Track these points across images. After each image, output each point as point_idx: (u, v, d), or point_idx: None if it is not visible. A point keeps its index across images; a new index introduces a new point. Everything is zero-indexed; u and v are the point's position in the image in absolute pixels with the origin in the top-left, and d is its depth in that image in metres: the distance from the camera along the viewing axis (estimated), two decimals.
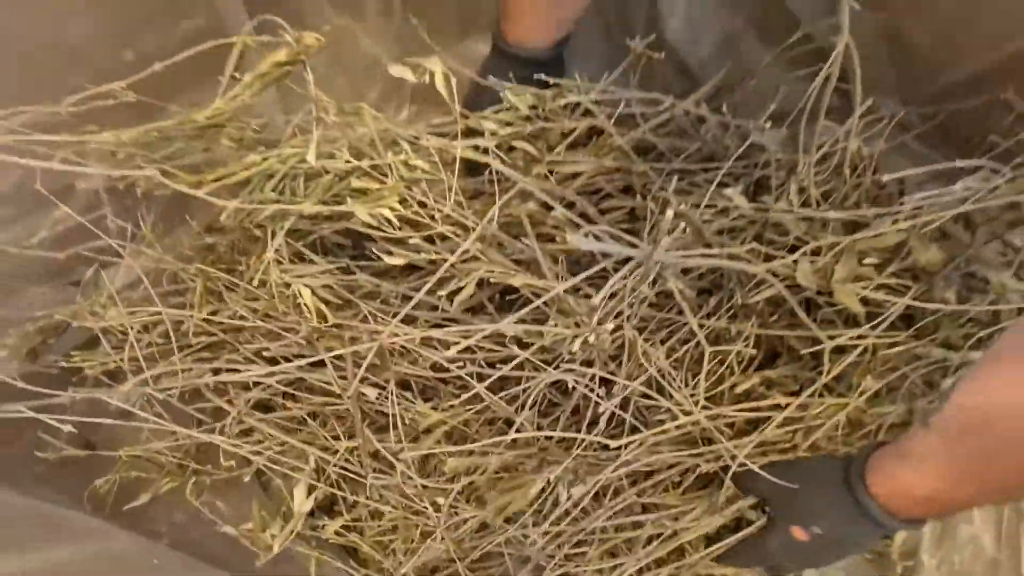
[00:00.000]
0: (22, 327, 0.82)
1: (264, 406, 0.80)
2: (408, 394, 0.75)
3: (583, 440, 0.70)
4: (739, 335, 0.73)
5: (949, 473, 0.61)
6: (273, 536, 0.74)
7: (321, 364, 0.71)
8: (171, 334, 0.74)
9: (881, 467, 0.65)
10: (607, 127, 0.73)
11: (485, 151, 0.67)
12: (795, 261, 0.68)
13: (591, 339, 0.63)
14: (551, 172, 0.73)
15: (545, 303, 0.68)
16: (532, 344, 0.69)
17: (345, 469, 0.75)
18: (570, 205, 0.73)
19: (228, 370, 0.75)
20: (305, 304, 0.65)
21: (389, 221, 0.62)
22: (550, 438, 0.74)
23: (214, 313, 0.76)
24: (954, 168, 0.74)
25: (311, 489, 0.76)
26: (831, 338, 0.71)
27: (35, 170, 0.60)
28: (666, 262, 0.64)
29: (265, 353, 0.75)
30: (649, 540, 0.77)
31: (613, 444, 0.70)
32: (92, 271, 0.80)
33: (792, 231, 0.70)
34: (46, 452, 0.79)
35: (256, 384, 0.77)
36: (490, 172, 0.67)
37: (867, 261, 0.71)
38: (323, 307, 0.65)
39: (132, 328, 0.74)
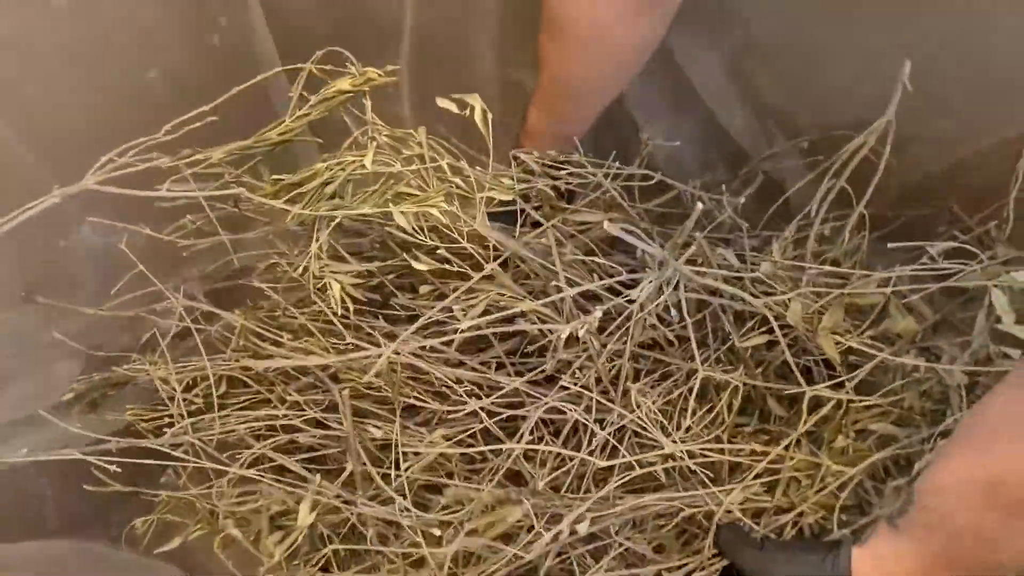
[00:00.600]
0: (89, 376, 0.90)
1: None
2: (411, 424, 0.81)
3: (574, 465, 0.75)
4: (726, 384, 0.79)
5: (925, 569, 0.66)
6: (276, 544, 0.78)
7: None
8: (212, 387, 0.81)
9: (863, 570, 0.69)
10: (612, 190, 0.83)
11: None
12: (788, 300, 0.75)
13: (580, 331, 0.70)
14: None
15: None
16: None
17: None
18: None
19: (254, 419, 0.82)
20: (333, 297, 0.73)
21: (422, 229, 0.72)
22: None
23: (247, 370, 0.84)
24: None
25: (314, 506, 0.78)
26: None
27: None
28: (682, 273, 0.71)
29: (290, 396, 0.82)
30: None
31: (601, 463, 0.74)
32: (148, 335, 0.89)
33: (778, 287, 0.78)
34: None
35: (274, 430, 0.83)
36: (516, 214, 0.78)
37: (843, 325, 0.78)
38: (349, 301, 0.73)
39: (178, 386, 0.82)
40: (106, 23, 0.80)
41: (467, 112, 0.71)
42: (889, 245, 0.77)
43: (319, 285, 0.74)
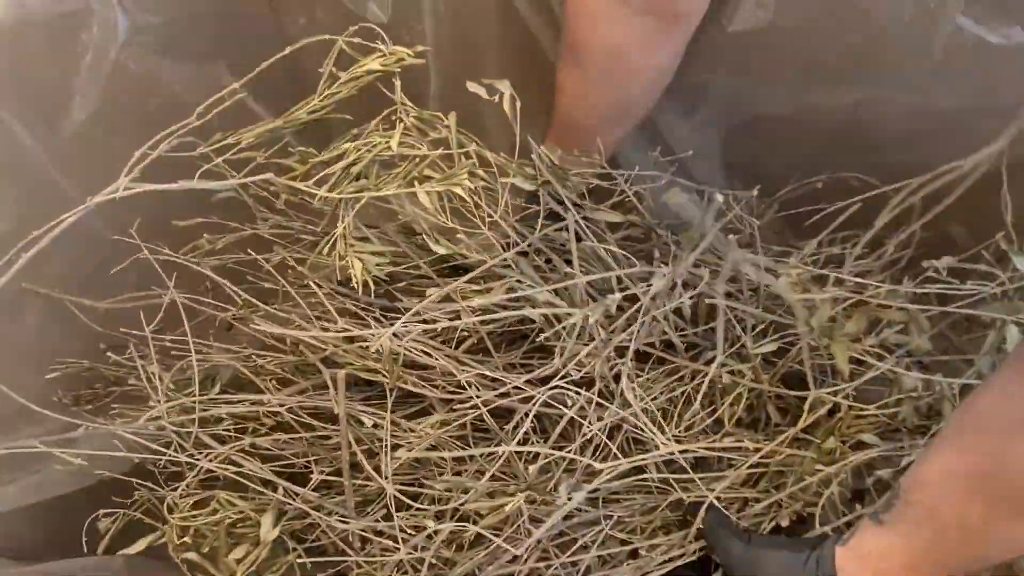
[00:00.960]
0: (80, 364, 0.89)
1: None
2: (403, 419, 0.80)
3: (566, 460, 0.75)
4: (731, 387, 0.80)
5: (909, 565, 0.66)
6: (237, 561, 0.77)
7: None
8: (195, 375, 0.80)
9: (849, 569, 0.69)
10: (630, 196, 0.83)
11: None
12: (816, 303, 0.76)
13: (592, 318, 0.70)
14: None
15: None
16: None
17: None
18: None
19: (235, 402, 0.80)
20: (355, 275, 0.73)
21: (444, 210, 0.72)
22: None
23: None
24: None
25: (280, 516, 0.78)
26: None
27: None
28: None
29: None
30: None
31: (598, 466, 0.73)
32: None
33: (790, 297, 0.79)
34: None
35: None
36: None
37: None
38: (371, 282, 0.73)
39: (163, 380, 0.81)
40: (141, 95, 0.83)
41: (496, 98, 0.72)
42: (924, 263, 0.79)
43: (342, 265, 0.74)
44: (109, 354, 0.87)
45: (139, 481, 0.82)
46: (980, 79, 0.78)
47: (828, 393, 0.78)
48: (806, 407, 0.78)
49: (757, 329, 0.82)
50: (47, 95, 0.79)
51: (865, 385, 0.78)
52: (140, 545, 0.81)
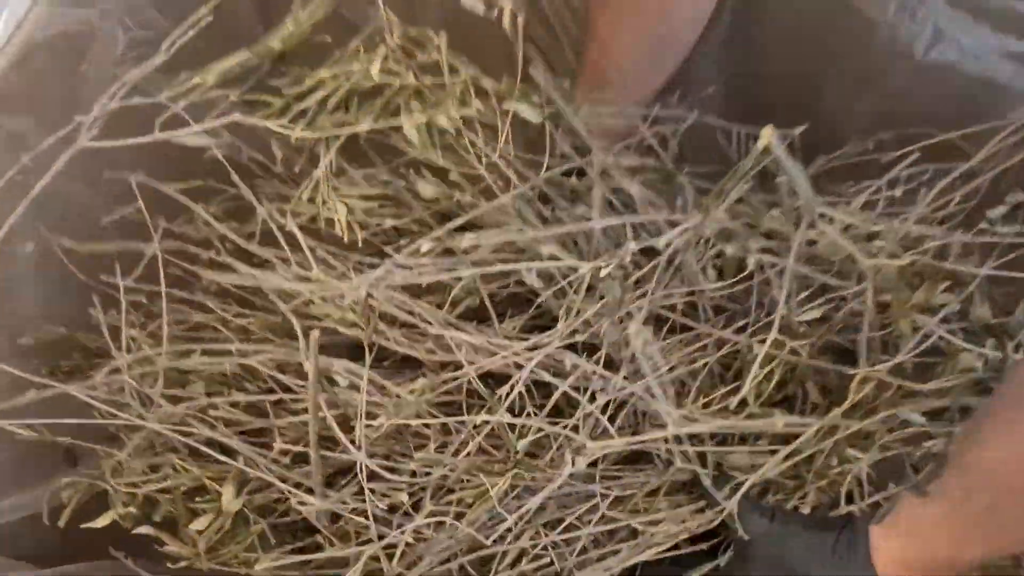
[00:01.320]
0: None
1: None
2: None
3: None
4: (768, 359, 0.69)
5: (958, 539, 0.61)
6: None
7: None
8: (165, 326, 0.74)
9: (888, 548, 0.64)
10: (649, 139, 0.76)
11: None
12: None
13: (605, 270, 0.62)
14: None
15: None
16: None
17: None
18: None
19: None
20: (339, 222, 0.66)
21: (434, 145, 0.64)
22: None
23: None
24: None
25: (242, 487, 0.71)
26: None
27: None
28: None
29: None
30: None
31: (590, 445, 0.66)
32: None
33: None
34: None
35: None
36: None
37: None
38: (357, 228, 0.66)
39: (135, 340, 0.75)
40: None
41: (494, 14, 0.64)
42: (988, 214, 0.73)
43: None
44: (90, 310, 0.80)
45: (105, 448, 0.76)
46: (961, 78, 0.79)
47: (878, 369, 0.68)
48: (853, 386, 0.69)
49: (802, 295, 0.73)
50: (57, 108, 0.78)
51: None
52: (106, 519, 0.75)
